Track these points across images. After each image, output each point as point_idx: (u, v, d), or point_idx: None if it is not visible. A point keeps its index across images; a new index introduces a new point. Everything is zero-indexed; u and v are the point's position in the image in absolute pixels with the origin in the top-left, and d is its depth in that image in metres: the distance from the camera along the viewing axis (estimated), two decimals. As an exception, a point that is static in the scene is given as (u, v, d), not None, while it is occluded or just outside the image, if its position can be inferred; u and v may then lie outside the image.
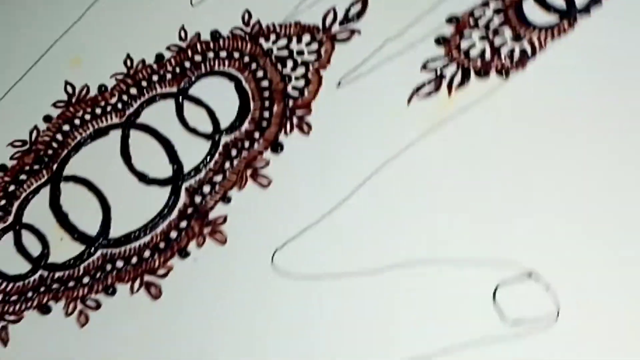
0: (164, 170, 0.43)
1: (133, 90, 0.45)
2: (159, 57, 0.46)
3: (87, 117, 0.45)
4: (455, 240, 0.37)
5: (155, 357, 0.38)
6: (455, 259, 0.37)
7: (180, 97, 0.44)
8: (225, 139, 0.43)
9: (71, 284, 0.41)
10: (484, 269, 0.36)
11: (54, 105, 0.46)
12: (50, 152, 0.45)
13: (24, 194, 0.44)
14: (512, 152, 0.38)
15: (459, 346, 0.35)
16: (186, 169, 0.42)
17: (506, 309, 0.35)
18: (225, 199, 0.41)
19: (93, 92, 0.46)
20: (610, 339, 0.34)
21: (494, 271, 0.36)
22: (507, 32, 0.40)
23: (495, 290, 0.36)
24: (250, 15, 0.45)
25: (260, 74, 0.44)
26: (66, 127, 0.45)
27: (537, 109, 0.39)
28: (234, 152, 0.42)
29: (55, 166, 0.44)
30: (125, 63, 0.46)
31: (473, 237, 0.37)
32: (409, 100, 0.41)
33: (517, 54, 0.40)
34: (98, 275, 0.41)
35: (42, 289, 0.41)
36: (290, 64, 0.44)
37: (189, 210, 0.41)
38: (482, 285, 0.36)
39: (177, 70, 0.45)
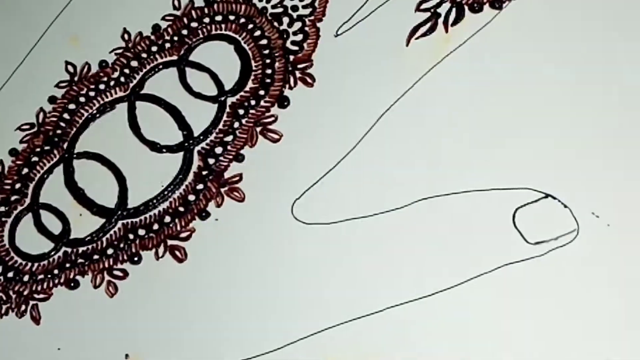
0: (174, 136, 0.43)
1: (134, 63, 0.45)
2: (156, 28, 0.46)
3: (92, 93, 0.45)
4: (470, 171, 0.38)
5: (186, 318, 0.38)
6: (471, 190, 0.37)
7: (182, 64, 0.44)
8: (231, 99, 0.43)
9: (96, 257, 0.41)
10: (501, 196, 0.36)
11: (57, 85, 0.46)
12: (59, 131, 0.45)
13: (38, 175, 0.44)
14: (514, 80, 0.39)
15: (484, 270, 0.35)
16: (196, 134, 0.42)
17: (526, 231, 0.36)
18: (239, 158, 0.41)
19: (94, 69, 0.46)
20: (627, 255, 0.34)
21: (511, 197, 0.36)
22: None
23: (515, 213, 0.36)
24: (241, -23, 0.45)
25: (257, 33, 0.44)
26: (72, 106, 0.45)
27: (533, 35, 0.39)
28: (241, 112, 0.42)
29: (65, 145, 0.44)
30: (122, 37, 0.46)
31: (486, 167, 0.37)
32: (408, 42, 0.41)
33: (509, -16, 0.40)
34: (122, 245, 0.41)
35: (67, 265, 0.41)
36: (286, 20, 0.44)
37: (204, 173, 0.41)
38: (500, 211, 0.36)
39: (175, 38, 0.45)
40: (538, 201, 0.36)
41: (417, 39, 0.41)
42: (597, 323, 0.34)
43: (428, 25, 0.41)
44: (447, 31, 0.41)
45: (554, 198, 0.36)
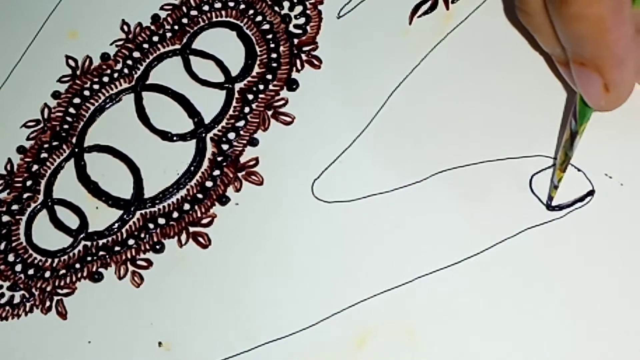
0: (185, 125, 0.42)
1: (136, 54, 0.44)
2: (155, 18, 0.44)
3: (96, 86, 0.43)
4: (483, 142, 0.37)
5: (216, 302, 0.38)
6: (486, 161, 0.37)
7: (186, 53, 0.43)
8: (239, 85, 0.42)
9: (117, 248, 0.40)
10: (516, 164, 0.36)
11: (60, 80, 0.44)
12: (66, 126, 0.43)
13: (49, 172, 0.42)
14: (518, 50, 0.39)
15: (507, 235, 0.35)
16: (206, 121, 0.41)
17: (543, 196, 0.36)
18: (253, 142, 0.40)
19: (96, 62, 0.44)
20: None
21: (526, 164, 0.36)
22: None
23: (531, 180, 0.36)
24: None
25: (259, 18, 0.43)
26: (77, 100, 0.43)
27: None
28: (250, 97, 0.41)
29: (74, 139, 0.42)
30: (122, 29, 0.45)
31: (499, 137, 0.37)
32: (410, 20, 0.41)
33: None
34: (142, 235, 0.40)
35: (89, 259, 0.40)
36: (287, 4, 0.43)
37: (219, 159, 0.40)
38: (517, 178, 0.36)
39: (176, 27, 0.44)
40: (552, 167, 0.36)
41: (419, 17, 0.41)
42: (620, 277, 0.34)
43: (429, 3, 0.41)
44: (447, 8, 0.41)
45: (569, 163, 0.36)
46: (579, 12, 0.28)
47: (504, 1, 0.39)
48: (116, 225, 0.41)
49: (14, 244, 0.41)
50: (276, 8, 0.43)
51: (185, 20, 0.44)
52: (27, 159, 0.43)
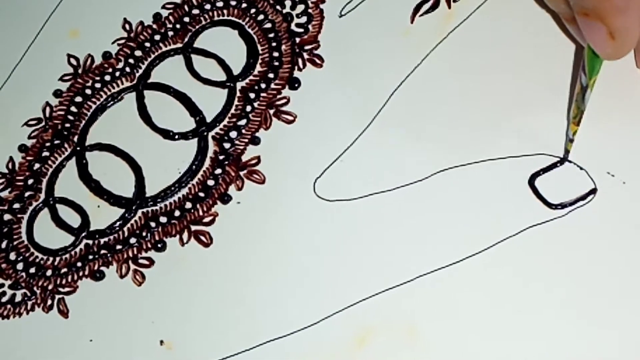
0: (187, 123, 0.41)
1: (138, 53, 0.43)
2: (157, 17, 0.44)
3: (98, 85, 0.43)
4: (485, 141, 0.37)
5: (217, 301, 0.37)
6: (488, 160, 0.37)
7: (188, 51, 0.42)
8: (240, 84, 0.41)
9: (119, 247, 0.39)
10: (518, 162, 0.36)
11: (61, 79, 0.44)
12: (67, 125, 0.43)
13: (50, 170, 0.42)
14: (520, 49, 0.38)
15: (509, 234, 0.35)
16: (208, 120, 0.41)
17: (546, 195, 0.35)
18: (255, 141, 0.40)
19: (98, 60, 0.44)
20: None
21: (528, 163, 0.36)
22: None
23: (531, 178, 0.36)
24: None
25: (261, 17, 0.42)
26: (78, 99, 0.43)
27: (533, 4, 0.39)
28: (252, 95, 0.41)
29: (76, 138, 0.42)
30: (124, 27, 0.44)
31: (500, 136, 0.37)
32: (412, 19, 0.40)
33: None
34: (144, 233, 0.39)
35: (90, 257, 0.39)
36: (288, 3, 0.42)
37: (221, 157, 0.40)
38: (518, 177, 0.36)
39: (178, 26, 0.43)
40: (554, 165, 0.36)
41: (420, 16, 0.40)
42: (622, 275, 0.34)
43: (430, 2, 0.41)
44: (449, 7, 0.40)
45: (570, 161, 0.36)
46: None
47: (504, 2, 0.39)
48: (118, 223, 0.40)
49: (15, 243, 0.41)
50: (278, 7, 0.43)
51: (187, 19, 0.44)
52: (28, 158, 0.43)
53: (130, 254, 0.39)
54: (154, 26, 0.44)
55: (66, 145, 0.42)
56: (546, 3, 0.35)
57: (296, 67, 0.41)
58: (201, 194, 0.40)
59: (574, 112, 0.34)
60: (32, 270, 0.40)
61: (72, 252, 0.40)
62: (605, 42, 0.30)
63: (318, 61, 0.41)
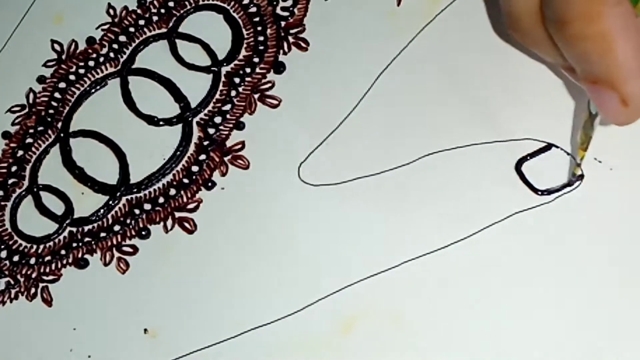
0: (171, 109, 0.40)
1: (122, 38, 0.42)
2: (141, 2, 0.43)
3: (82, 71, 0.42)
4: (471, 125, 0.36)
5: (201, 288, 0.37)
6: (474, 144, 0.35)
7: (172, 36, 0.41)
8: (225, 69, 0.40)
9: (103, 234, 0.38)
10: (504, 147, 0.35)
11: (45, 65, 0.43)
12: (51, 111, 0.42)
13: (34, 157, 0.41)
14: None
15: (495, 219, 0.34)
16: (193, 105, 0.40)
17: (532, 180, 0.34)
18: (239, 126, 0.39)
19: (82, 46, 0.42)
20: (631, 196, 0.33)
21: (514, 148, 0.35)
22: None
23: (518, 164, 0.35)
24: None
25: (246, 1, 0.41)
26: (62, 85, 0.42)
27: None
28: (237, 80, 0.40)
29: (60, 124, 0.41)
30: (108, 12, 0.43)
31: (487, 120, 0.36)
32: (399, 2, 0.39)
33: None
34: (128, 221, 0.38)
35: (74, 245, 0.38)
36: (273, -14, 0.41)
37: (205, 143, 0.39)
38: (505, 162, 0.35)
39: (162, 11, 0.42)
40: (541, 150, 0.35)
41: (407, -1, 0.39)
42: (609, 261, 0.32)
43: (417, -17, 0.39)
44: (436, -11, 0.39)
45: (557, 147, 0.35)
46: (582, 32, 0.26)
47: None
48: (102, 211, 0.39)
49: (-1, 230, 0.40)
50: (263, -10, 0.41)
51: (171, 4, 0.42)
52: (12, 144, 0.41)
53: (114, 242, 0.38)
54: (139, 11, 0.43)
55: (50, 132, 0.41)
56: (541, 57, 0.32)
57: (281, 51, 0.40)
58: (185, 181, 0.39)
59: (582, 139, 0.32)
60: (16, 258, 0.39)
61: (56, 240, 0.39)
62: (618, 109, 0.28)
63: (303, 45, 0.40)
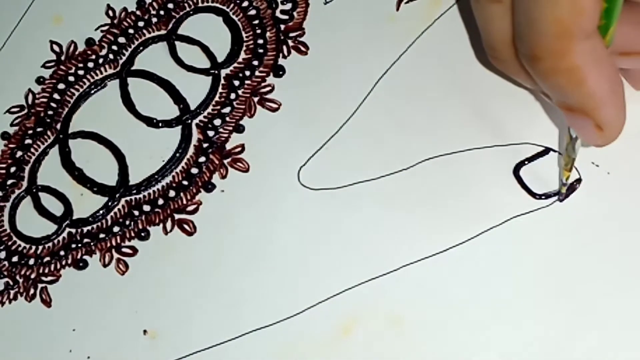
0: (170, 111, 0.40)
1: (121, 39, 0.42)
2: (141, 3, 0.43)
3: (81, 72, 0.42)
4: (470, 130, 0.36)
5: (201, 290, 0.37)
6: (473, 148, 0.36)
7: (172, 38, 0.41)
8: (225, 71, 0.40)
9: (102, 235, 0.38)
10: (503, 151, 0.35)
11: (44, 66, 0.42)
12: (50, 112, 0.41)
13: (33, 158, 0.40)
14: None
15: (493, 224, 0.34)
16: (192, 107, 0.40)
17: (530, 184, 0.35)
18: (239, 129, 0.39)
19: (81, 47, 0.42)
20: (628, 199, 0.34)
21: (513, 152, 0.35)
22: None
23: (516, 168, 0.35)
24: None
25: (245, 3, 0.41)
26: (61, 86, 0.42)
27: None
28: (236, 83, 0.40)
29: (59, 125, 0.41)
30: (107, 14, 0.43)
31: (486, 124, 0.36)
32: (398, 6, 0.39)
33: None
34: (127, 222, 0.38)
35: (73, 246, 0.38)
36: (273, -10, 0.41)
37: (205, 145, 0.39)
38: (503, 166, 0.35)
39: (162, 13, 0.42)
40: (539, 155, 0.35)
41: (406, 3, 0.39)
42: (607, 264, 0.33)
43: (416, -12, 0.39)
44: (435, -6, 0.39)
45: (555, 151, 0.35)
46: (553, 67, 0.27)
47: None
48: (101, 212, 0.39)
49: (-3, 231, 0.40)
50: (262, -7, 0.41)
51: (171, 6, 0.42)
52: (11, 145, 0.41)
53: (114, 243, 0.38)
54: (138, 12, 0.43)
55: (49, 133, 0.41)
56: (519, 82, 0.33)
57: (281, 55, 0.40)
58: (185, 182, 0.39)
59: (565, 161, 0.33)
60: (15, 258, 0.39)
61: (55, 241, 0.39)
62: (593, 134, 0.29)
63: (303, 48, 0.40)
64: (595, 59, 0.27)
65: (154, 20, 0.42)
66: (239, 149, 0.39)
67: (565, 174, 0.33)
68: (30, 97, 0.43)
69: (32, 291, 0.39)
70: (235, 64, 0.41)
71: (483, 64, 0.37)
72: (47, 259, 0.39)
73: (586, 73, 0.27)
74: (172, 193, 0.39)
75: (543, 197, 0.35)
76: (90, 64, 0.42)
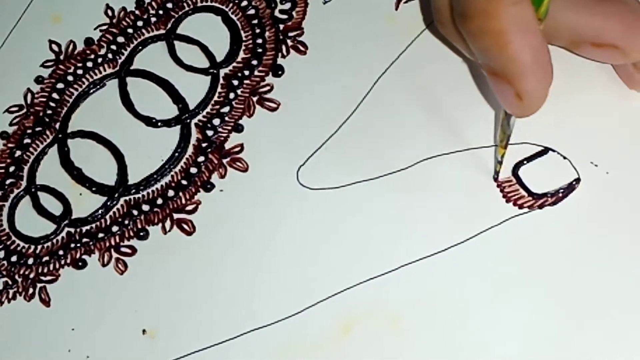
0: (169, 111, 0.40)
1: (120, 39, 0.42)
2: (140, 3, 0.42)
3: (80, 72, 0.41)
4: (470, 129, 0.36)
5: (200, 290, 0.36)
6: (473, 148, 0.35)
7: (171, 38, 0.41)
8: (224, 71, 0.40)
9: (101, 235, 0.38)
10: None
11: (43, 65, 0.42)
12: (49, 112, 0.41)
13: (32, 157, 0.40)
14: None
15: (492, 223, 0.34)
16: (191, 107, 0.39)
17: (529, 183, 0.34)
18: (238, 128, 0.38)
19: (80, 46, 0.42)
20: (627, 199, 0.33)
21: (512, 152, 0.35)
22: None
23: (515, 167, 0.35)
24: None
25: (244, 3, 0.41)
26: (60, 85, 0.41)
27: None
28: (235, 82, 0.39)
29: (58, 125, 0.40)
30: (106, 13, 0.43)
31: (486, 124, 0.36)
32: (397, 6, 0.39)
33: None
34: (126, 221, 0.38)
35: (72, 245, 0.38)
36: (272, -11, 0.41)
37: (204, 145, 0.38)
38: (504, 165, 0.35)
39: (161, 12, 0.42)
40: (538, 154, 0.35)
41: (405, 2, 0.39)
42: (606, 264, 0.33)
43: (415, -12, 0.39)
44: (434, -6, 0.39)
45: (554, 151, 0.35)
46: (481, 27, 0.28)
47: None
48: (100, 211, 0.39)
49: (-4, 231, 0.40)
50: (261, -7, 0.41)
51: (170, 5, 0.42)
52: (10, 145, 0.41)
53: (113, 243, 0.38)
54: (137, 12, 0.42)
55: (48, 133, 0.41)
56: (460, 50, 0.33)
57: (280, 54, 0.40)
58: (184, 182, 0.38)
59: (500, 137, 0.33)
60: (14, 258, 0.39)
61: (54, 240, 0.39)
62: (513, 102, 0.29)
63: (302, 48, 0.39)
64: (521, 25, 0.27)
65: (153, 19, 0.42)
66: (238, 148, 0.39)
67: (500, 150, 0.33)
68: (29, 96, 0.42)
69: (31, 291, 0.38)
70: (234, 64, 0.40)
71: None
72: (46, 258, 0.39)
73: (510, 37, 0.27)
74: (171, 192, 0.39)
75: (542, 196, 0.34)
76: (89, 64, 0.42)
